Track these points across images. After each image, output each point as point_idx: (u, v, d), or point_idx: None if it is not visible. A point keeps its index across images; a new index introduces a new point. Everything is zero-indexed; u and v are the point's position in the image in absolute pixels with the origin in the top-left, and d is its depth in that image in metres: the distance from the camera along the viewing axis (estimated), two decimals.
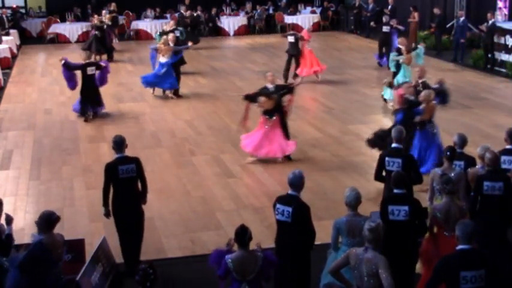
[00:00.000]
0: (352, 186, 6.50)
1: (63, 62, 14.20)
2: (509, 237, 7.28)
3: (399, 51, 15.46)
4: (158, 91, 16.77)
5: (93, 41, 21.63)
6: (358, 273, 5.47)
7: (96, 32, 21.61)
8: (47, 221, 6.18)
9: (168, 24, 22.66)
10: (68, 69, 14.26)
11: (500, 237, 7.06)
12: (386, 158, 7.81)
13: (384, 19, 20.93)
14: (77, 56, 22.48)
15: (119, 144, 7.64)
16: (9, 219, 6.48)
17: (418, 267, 6.93)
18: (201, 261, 7.88)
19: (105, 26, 21.95)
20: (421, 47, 15.92)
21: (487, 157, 7.18)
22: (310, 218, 6.36)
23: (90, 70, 14.19)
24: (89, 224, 9.14)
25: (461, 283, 5.11)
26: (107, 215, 7.74)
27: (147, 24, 27.23)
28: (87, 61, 14.37)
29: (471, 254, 5.20)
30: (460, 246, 5.23)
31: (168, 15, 28.42)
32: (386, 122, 14.01)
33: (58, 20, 27.28)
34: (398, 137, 7.93)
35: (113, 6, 25.93)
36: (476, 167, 7.74)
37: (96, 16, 22.60)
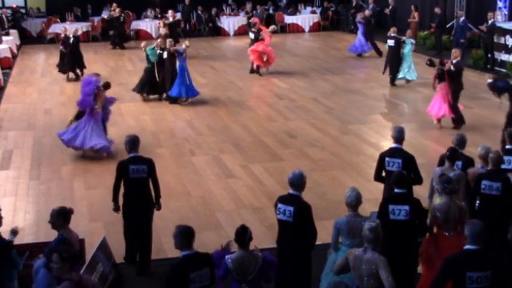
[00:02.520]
0: (352, 186, 6.50)
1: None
2: (509, 237, 7.28)
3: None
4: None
5: (62, 59, 19.04)
6: (358, 273, 5.47)
7: (61, 47, 19.01)
8: (63, 215, 6.23)
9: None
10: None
11: (500, 237, 7.06)
12: (387, 158, 7.80)
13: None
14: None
15: (131, 143, 7.68)
16: (15, 232, 6.47)
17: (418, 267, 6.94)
18: None
19: (71, 40, 18.93)
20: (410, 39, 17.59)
21: (491, 157, 7.21)
22: (312, 218, 6.36)
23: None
24: (89, 224, 9.14)
25: (467, 283, 5.13)
26: (115, 210, 7.82)
27: (147, 24, 27.25)
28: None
29: (478, 254, 5.20)
30: (467, 246, 5.24)
31: (168, 15, 28.40)
32: (386, 122, 14.05)
33: (58, 20, 27.28)
34: (398, 137, 7.90)
35: (113, 6, 25.93)
36: (477, 166, 7.74)
37: (64, 28, 19.91)
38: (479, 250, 5.20)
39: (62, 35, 19.29)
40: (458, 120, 13.34)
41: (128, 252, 7.88)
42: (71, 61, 18.81)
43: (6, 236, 6.35)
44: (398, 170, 7.06)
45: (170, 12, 23.41)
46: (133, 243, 7.82)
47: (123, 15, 25.27)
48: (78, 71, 18.95)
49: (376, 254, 5.39)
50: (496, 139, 11.71)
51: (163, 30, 19.30)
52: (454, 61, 13.22)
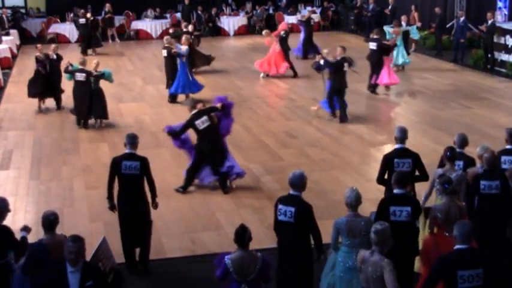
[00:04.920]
0: (352, 186, 6.50)
1: (166, 130, 10.35)
2: (508, 236, 7.28)
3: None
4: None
5: (38, 81, 15.24)
6: (364, 275, 5.46)
7: (39, 68, 15.22)
8: (46, 221, 6.27)
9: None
10: (176, 137, 10.28)
11: (499, 236, 7.06)
12: (396, 160, 7.63)
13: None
14: (76, 55, 22.57)
15: (128, 139, 7.74)
16: (28, 229, 6.62)
17: (417, 266, 6.94)
18: (201, 262, 7.90)
19: (53, 58, 15.51)
20: (414, 26, 19.81)
21: (485, 157, 7.19)
22: (314, 218, 6.36)
23: (201, 123, 10.01)
24: (89, 224, 9.14)
25: (458, 282, 5.14)
26: (111, 208, 7.79)
27: (147, 24, 27.27)
28: (195, 111, 10.06)
29: (468, 253, 5.22)
30: (457, 246, 5.26)
31: (168, 15, 28.45)
32: (386, 122, 14.05)
33: (58, 20, 27.31)
34: (402, 137, 7.82)
35: (107, 7, 25.95)
36: (476, 166, 7.73)
37: (39, 46, 15.86)
38: (469, 249, 5.23)
39: (41, 55, 15.35)
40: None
41: (127, 257, 7.81)
42: (49, 85, 15.33)
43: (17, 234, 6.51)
44: (399, 171, 7.05)
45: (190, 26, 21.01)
46: (131, 245, 7.79)
47: (87, 18, 23.64)
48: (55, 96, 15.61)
49: (382, 257, 5.37)
50: (496, 139, 11.71)
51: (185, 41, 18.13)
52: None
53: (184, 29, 19.87)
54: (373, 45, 16.36)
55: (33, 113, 15.31)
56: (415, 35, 19.75)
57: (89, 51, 23.25)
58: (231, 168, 10.22)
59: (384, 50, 16.17)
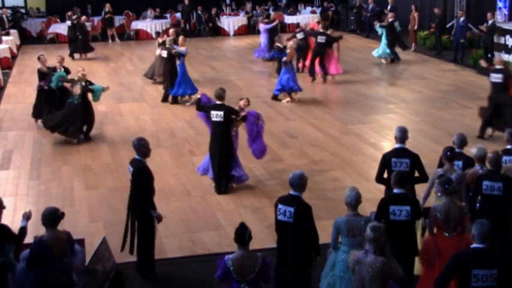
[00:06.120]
0: (352, 186, 6.50)
1: (199, 96, 10.35)
2: (509, 237, 7.28)
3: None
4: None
5: (42, 101, 13.42)
6: (359, 276, 5.45)
7: (42, 84, 13.32)
8: (49, 218, 6.27)
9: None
10: (198, 107, 10.34)
11: (501, 237, 7.06)
12: (393, 159, 7.63)
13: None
14: (76, 55, 22.57)
15: (134, 147, 7.55)
16: (28, 216, 6.64)
17: (416, 267, 6.94)
18: (201, 262, 7.91)
19: (59, 70, 13.37)
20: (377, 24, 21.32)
21: (489, 157, 7.19)
22: (313, 219, 6.35)
23: (215, 115, 9.94)
24: (89, 224, 9.14)
25: (472, 281, 5.16)
26: None
27: (147, 24, 27.27)
28: (218, 102, 10.01)
29: (484, 253, 5.23)
30: (474, 245, 5.28)
31: (168, 15, 28.45)
32: (386, 122, 14.04)
33: (58, 20, 27.32)
34: (403, 137, 7.82)
35: (107, 7, 25.96)
36: (475, 167, 7.72)
37: (42, 57, 13.67)
38: (486, 248, 5.24)
39: (44, 68, 13.53)
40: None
41: (123, 241, 7.73)
42: (57, 103, 13.11)
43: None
44: (398, 171, 7.05)
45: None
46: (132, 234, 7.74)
47: (72, 20, 22.74)
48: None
49: (377, 257, 5.37)
50: (495, 139, 11.73)
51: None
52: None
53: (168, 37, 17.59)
54: (321, 39, 17.89)
55: None
56: (378, 30, 21.12)
57: (81, 55, 22.68)
58: (241, 178, 10.42)
59: (329, 43, 17.92)
